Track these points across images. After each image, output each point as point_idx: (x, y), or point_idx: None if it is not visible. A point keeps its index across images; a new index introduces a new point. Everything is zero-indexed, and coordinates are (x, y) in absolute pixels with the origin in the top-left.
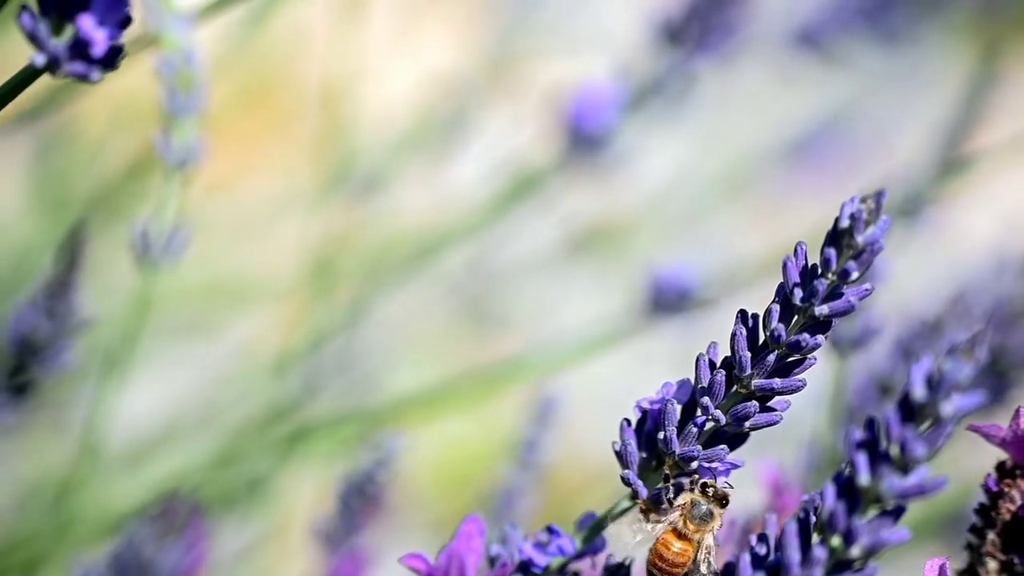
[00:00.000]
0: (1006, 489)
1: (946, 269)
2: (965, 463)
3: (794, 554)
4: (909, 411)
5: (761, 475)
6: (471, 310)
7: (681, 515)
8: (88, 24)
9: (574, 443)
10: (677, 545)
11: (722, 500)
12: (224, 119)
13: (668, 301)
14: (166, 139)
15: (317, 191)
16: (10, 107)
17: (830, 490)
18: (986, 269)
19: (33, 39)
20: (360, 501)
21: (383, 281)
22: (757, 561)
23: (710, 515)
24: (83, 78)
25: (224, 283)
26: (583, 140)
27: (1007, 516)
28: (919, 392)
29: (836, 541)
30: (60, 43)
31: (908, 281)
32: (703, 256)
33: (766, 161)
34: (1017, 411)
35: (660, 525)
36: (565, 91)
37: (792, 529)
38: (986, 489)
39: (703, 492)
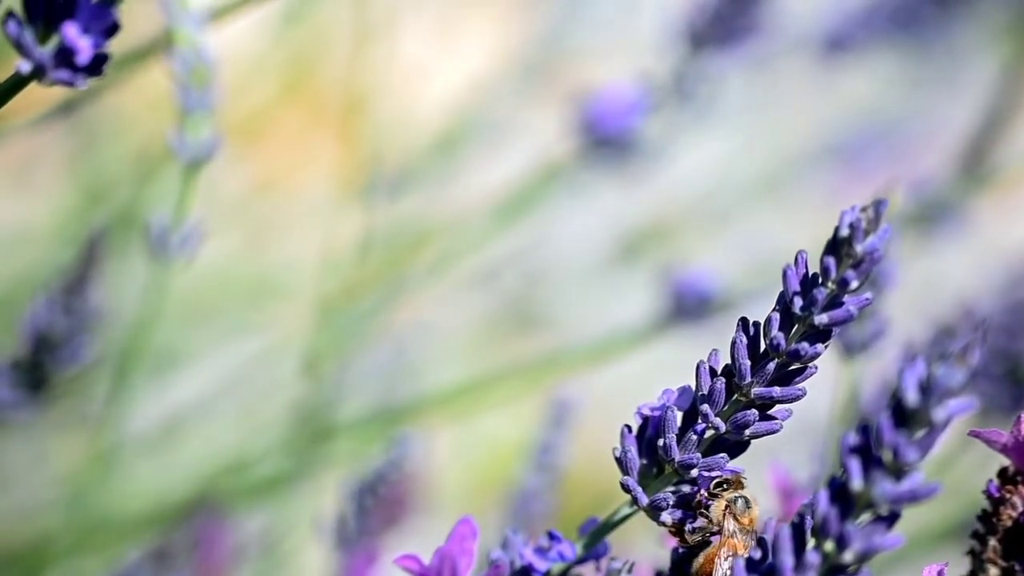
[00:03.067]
0: (1007, 495)
1: (981, 274)
2: (991, 468)
3: (787, 558)
4: (902, 416)
5: (771, 480)
6: (516, 314)
7: (733, 521)
8: (73, 32)
9: (604, 447)
10: (744, 542)
11: (739, 484)
12: (276, 117)
13: (688, 306)
14: (180, 136)
15: (361, 189)
16: (50, 99)
17: (823, 495)
18: (1013, 275)
19: (19, 47)
20: (372, 501)
21: (421, 280)
22: (752, 565)
23: (747, 503)
24: (69, 85)
25: (270, 278)
26: (604, 142)
27: (1008, 522)
28: (912, 397)
29: (829, 546)
30: (46, 51)
31: (944, 285)
32: (743, 257)
33: (809, 164)
34: (1018, 417)
35: (714, 542)
36: (595, 91)
37: (785, 533)
38: (988, 495)
39: (724, 489)
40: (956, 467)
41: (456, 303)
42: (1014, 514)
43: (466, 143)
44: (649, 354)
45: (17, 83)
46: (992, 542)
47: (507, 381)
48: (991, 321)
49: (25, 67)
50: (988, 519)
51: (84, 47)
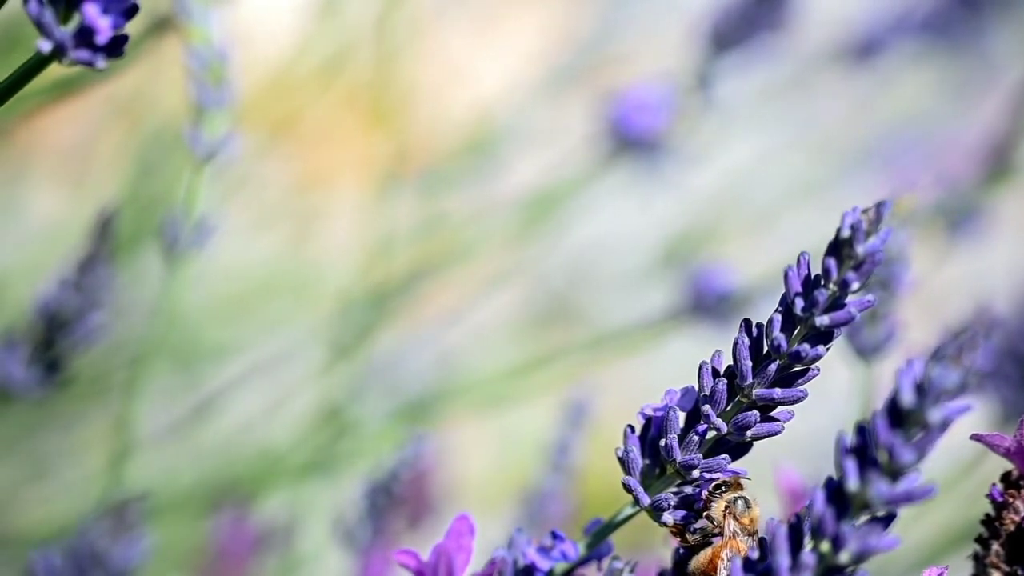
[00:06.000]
0: (1011, 500)
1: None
2: None
3: (783, 559)
4: (897, 417)
5: (779, 482)
6: (555, 314)
7: (734, 522)
8: (93, 12)
9: None
10: (744, 542)
11: (738, 485)
12: (317, 115)
13: (708, 303)
14: (195, 132)
15: (399, 186)
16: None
17: (819, 496)
18: None
19: (40, 26)
20: (386, 500)
21: (455, 275)
22: (749, 565)
23: (747, 503)
24: (88, 65)
25: (312, 273)
26: (632, 143)
27: (1011, 527)
28: (907, 398)
29: (825, 546)
30: (66, 31)
31: (972, 289)
32: (782, 257)
33: (848, 166)
34: (1021, 421)
35: (714, 543)
36: (625, 92)
37: (782, 533)
38: (992, 500)
39: (723, 491)
40: (980, 470)
41: (494, 302)
42: (1017, 519)
43: (503, 142)
44: (677, 355)
45: (38, 63)
46: (995, 546)
47: (535, 371)
48: (1011, 325)
49: (45, 46)
50: (991, 524)
51: (103, 27)
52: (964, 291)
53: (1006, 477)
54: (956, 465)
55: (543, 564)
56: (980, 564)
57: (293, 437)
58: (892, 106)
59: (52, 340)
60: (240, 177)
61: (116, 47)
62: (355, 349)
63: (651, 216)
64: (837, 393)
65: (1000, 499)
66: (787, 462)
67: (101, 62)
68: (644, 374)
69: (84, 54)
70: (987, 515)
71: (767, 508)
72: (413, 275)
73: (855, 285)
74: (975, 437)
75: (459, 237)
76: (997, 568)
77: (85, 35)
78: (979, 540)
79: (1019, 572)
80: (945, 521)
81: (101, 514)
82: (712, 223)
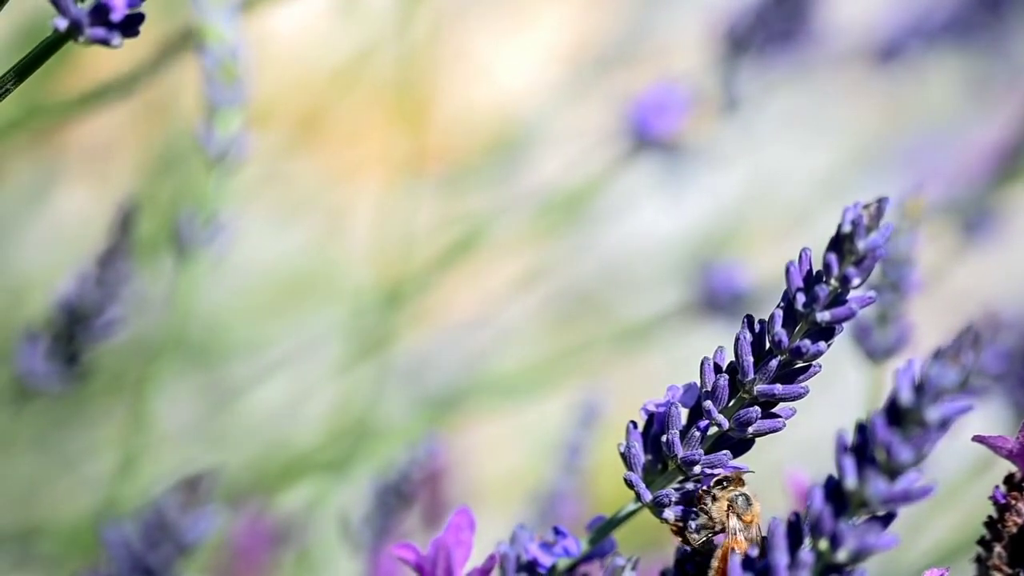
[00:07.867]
0: (1013, 502)
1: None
2: None
3: (781, 557)
4: (896, 416)
5: (788, 484)
6: (582, 313)
7: (735, 519)
8: None
9: None
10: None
11: (740, 481)
12: (346, 114)
13: (720, 301)
14: (207, 130)
15: (424, 184)
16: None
17: (818, 494)
18: None
19: (56, 4)
20: (396, 500)
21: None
22: (748, 563)
23: (748, 500)
24: (104, 43)
25: (334, 270)
26: (648, 143)
27: (1014, 529)
28: (906, 397)
29: (823, 545)
30: (82, 8)
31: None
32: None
33: (873, 168)
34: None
35: (716, 540)
36: (647, 93)
37: (781, 531)
38: (994, 502)
39: (724, 487)
40: (994, 471)
41: (519, 302)
42: (1020, 521)
43: (527, 141)
44: (698, 357)
45: (54, 41)
46: (998, 548)
47: (555, 366)
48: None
49: (61, 24)
50: (994, 526)
51: (118, 5)
52: (989, 294)
53: (1009, 479)
54: (971, 467)
55: (545, 560)
56: (983, 566)
57: (315, 434)
58: (917, 107)
59: (72, 335)
60: (266, 174)
61: (131, 25)
62: (379, 346)
63: (679, 217)
64: (854, 397)
65: (1003, 501)
66: (803, 465)
67: (117, 39)
68: (660, 377)
69: (99, 32)
70: (990, 517)
71: (778, 511)
72: (435, 272)
73: (856, 281)
74: (977, 439)
75: (482, 235)
76: (999, 570)
77: (100, 13)
78: (982, 542)
79: (1021, 574)
80: (960, 522)
81: (172, 487)
82: (740, 224)
